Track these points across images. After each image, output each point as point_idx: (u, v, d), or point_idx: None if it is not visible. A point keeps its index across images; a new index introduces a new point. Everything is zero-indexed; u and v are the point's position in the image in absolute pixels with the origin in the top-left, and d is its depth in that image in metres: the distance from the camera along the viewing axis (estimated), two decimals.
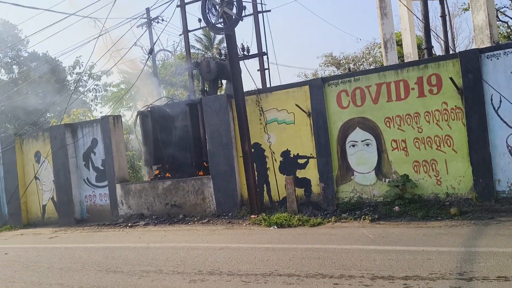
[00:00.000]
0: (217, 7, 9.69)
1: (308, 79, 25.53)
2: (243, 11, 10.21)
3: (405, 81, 8.51)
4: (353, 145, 9.07)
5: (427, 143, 8.38)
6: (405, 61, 16.80)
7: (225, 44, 26.85)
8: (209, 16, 9.87)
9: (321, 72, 26.91)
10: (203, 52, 27.02)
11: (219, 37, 27.39)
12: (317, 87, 9.31)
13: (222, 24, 9.77)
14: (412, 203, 8.25)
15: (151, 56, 15.69)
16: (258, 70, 13.29)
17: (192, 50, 17.50)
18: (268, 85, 13.03)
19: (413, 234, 6.81)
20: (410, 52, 17.23)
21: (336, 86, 9.18)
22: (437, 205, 8.16)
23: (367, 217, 8.16)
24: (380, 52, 23.59)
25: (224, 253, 6.80)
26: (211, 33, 27.00)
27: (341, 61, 26.08)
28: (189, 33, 14.07)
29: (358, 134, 9.01)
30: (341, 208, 8.95)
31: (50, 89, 22.74)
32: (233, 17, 9.53)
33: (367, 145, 8.92)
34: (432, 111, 8.31)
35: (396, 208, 8.24)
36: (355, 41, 64.07)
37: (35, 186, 13.25)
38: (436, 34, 23.51)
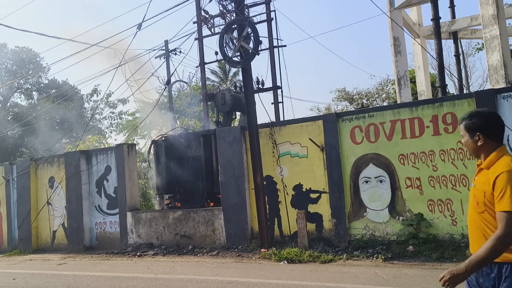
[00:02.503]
0: (234, 41, 9.94)
1: (321, 113, 25.73)
2: (260, 45, 10.44)
3: (419, 119, 8.51)
4: (366, 181, 8.99)
5: (442, 182, 8.27)
6: (418, 98, 16.85)
7: (239, 77, 27.38)
8: (226, 49, 10.11)
9: (334, 106, 27.06)
10: (218, 84, 27.50)
11: (233, 69, 27.96)
12: (331, 122, 9.34)
13: (239, 58, 9.99)
14: (427, 243, 8.06)
15: (167, 87, 16.01)
16: (272, 103, 13.42)
17: (207, 82, 17.81)
18: (281, 119, 13.12)
19: (428, 276, 6.62)
20: (424, 90, 17.30)
21: (350, 122, 9.20)
22: (452, 246, 7.94)
23: (380, 256, 7.97)
24: (393, 88, 23.72)
25: None
26: (226, 65, 27.59)
27: (354, 96, 26.23)
28: (205, 65, 14.36)
29: (371, 171, 8.94)
30: (353, 245, 8.78)
31: (67, 116, 23.24)
32: (250, 51, 9.74)
33: (381, 181, 8.83)
34: (447, 149, 8.25)
35: (410, 247, 8.04)
36: (368, 77, 64.70)
37: (47, 211, 13.32)
38: (450, 72, 23.67)
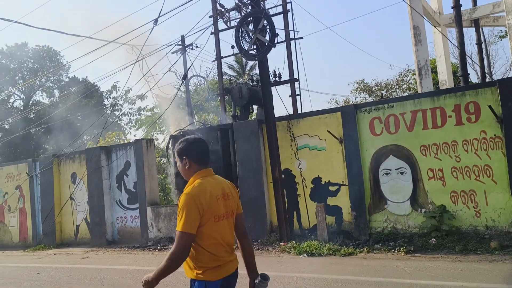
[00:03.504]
0: (250, 34, 9.87)
1: (339, 105, 25.46)
2: (276, 38, 10.33)
3: (441, 109, 8.30)
4: (387, 173, 8.84)
5: (465, 173, 8.06)
6: (440, 88, 16.48)
7: (256, 71, 27.26)
8: (242, 43, 10.05)
9: (353, 98, 26.76)
10: (235, 78, 27.50)
11: (250, 63, 27.90)
12: (349, 113, 9.21)
13: (255, 50, 9.92)
14: (450, 235, 7.89)
15: (184, 82, 16.06)
16: (289, 96, 13.29)
17: (224, 77, 17.81)
18: (299, 111, 13.00)
19: (451, 269, 6.49)
20: (445, 79, 16.91)
21: (369, 113, 9.05)
22: (476, 238, 7.76)
23: (401, 248, 7.83)
24: (413, 79, 23.27)
25: None
26: (243, 59, 27.52)
27: (373, 88, 25.85)
28: (221, 60, 14.33)
29: (391, 162, 8.78)
30: (374, 238, 8.66)
31: (88, 113, 23.61)
32: (266, 44, 9.66)
33: (402, 173, 8.67)
34: (470, 139, 8.03)
35: (433, 240, 7.89)
36: (388, 68, 63.72)
37: (70, 206, 13.57)
38: (472, 61, 23.07)
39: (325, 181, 9.54)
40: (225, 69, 26.56)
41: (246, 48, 9.95)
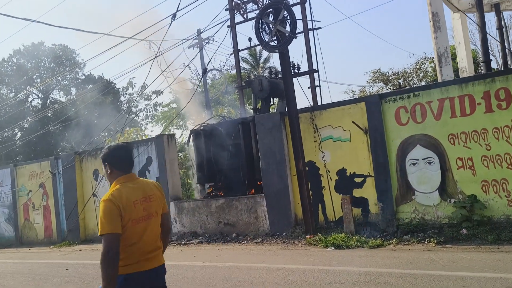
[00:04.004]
0: (271, 25, 9.75)
1: (356, 96, 25.15)
2: (296, 28, 10.18)
3: (470, 96, 8.09)
4: (414, 163, 8.68)
5: (496, 161, 7.86)
6: (460, 75, 16.14)
7: (270, 63, 27.06)
8: (263, 34, 9.92)
9: (369, 88, 26.37)
10: (249, 72, 27.35)
11: (264, 56, 27.72)
12: (374, 103, 9.05)
13: (276, 42, 9.80)
14: (481, 225, 7.72)
15: (203, 76, 16.01)
16: (308, 88, 13.13)
17: None
18: (319, 103, 12.84)
19: (486, 259, 6.34)
20: (466, 66, 16.54)
21: (394, 102, 8.88)
22: (510, 228, 7.56)
23: (432, 240, 7.69)
24: (431, 67, 22.83)
25: (282, 274, 6.63)
26: (257, 52, 27.36)
27: (390, 77, 25.43)
28: (238, 53, 14.22)
29: (419, 152, 8.61)
30: (402, 230, 8.53)
31: (105, 110, 23.77)
32: (287, 35, 9.53)
33: (429, 163, 8.50)
34: (501, 127, 7.81)
35: (464, 230, 7.73)
36: (405, 56, 62.73)
37: (92, 203, 13.68)
38: (491, 47, 22.53)
39: (350, 173, 9.42)
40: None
41: (267, 40, 9.83)
